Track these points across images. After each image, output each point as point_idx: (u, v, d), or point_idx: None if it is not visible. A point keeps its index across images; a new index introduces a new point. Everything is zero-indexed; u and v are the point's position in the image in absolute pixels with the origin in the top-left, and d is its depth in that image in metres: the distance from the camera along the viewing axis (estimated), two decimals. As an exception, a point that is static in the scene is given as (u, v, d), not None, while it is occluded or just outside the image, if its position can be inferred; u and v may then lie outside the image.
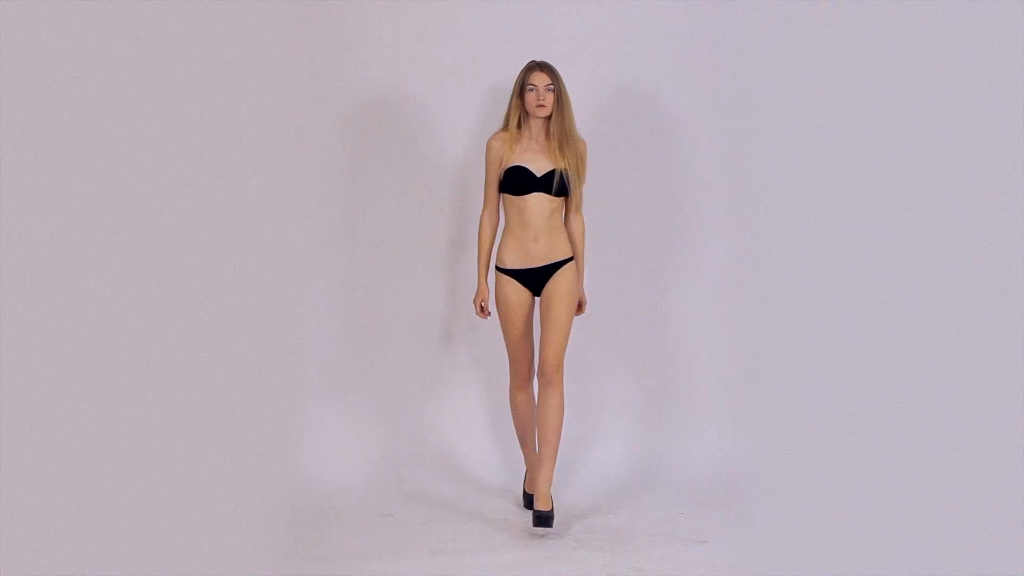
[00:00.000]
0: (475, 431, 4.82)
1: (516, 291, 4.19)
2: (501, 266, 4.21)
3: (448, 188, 4.80)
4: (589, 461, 4.72)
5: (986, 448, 3.02)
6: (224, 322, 3.13)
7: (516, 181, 4.13)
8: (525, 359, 4.26)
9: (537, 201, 4.12)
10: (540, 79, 4.12)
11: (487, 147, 4.21)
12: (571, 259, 4.19)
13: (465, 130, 4.76)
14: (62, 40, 2.69)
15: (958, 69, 3.00)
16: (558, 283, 4.15)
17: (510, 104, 4.20)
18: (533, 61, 4.17)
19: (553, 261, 4.16)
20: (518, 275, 4.18)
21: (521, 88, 4.15)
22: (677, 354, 4.87)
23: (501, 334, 4.28)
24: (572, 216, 4.23)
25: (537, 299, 4.22)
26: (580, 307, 4.30)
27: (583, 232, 4.26)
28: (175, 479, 2.90)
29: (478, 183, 4.43)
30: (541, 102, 4.11)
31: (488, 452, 4.79)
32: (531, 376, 4.29)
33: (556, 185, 4.11)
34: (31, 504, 2.65)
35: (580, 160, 4.16)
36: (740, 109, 4.66)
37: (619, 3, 4.83)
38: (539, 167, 4.13)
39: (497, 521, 4.16)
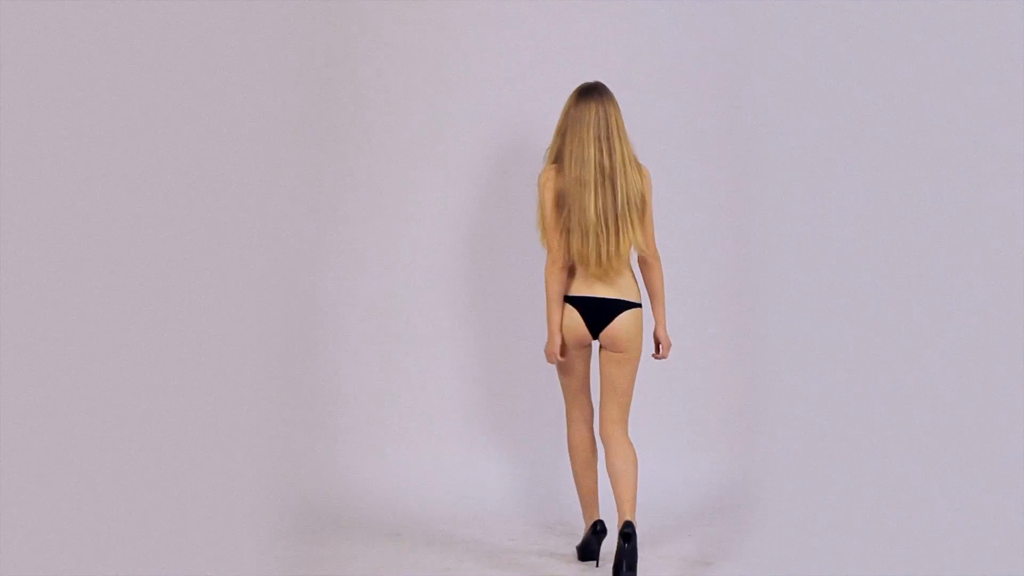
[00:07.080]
0: (488, 454, 4.82)
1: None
2: None
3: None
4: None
5: (993, 470, 3.01)
6: (247, 332, 3.14)
7: None
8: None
9: None
10: None
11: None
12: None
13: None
14: (49, 40, 2.72)
15: (964, 69, 3.01)
16: None
17: None
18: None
19: None
20: None
21: None
22: (681, 373, 4.86)
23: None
24: None
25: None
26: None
27: None
28: (187, 493, 2.92)
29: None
30: None
31: (499, 475, 4.78)
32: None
33: None
34: (38, 515, 2.67)
35: None
36: (735, 121, 4.68)
37: (616, 7, 4.85)
38: None
39: (505, 544, 4.15)
